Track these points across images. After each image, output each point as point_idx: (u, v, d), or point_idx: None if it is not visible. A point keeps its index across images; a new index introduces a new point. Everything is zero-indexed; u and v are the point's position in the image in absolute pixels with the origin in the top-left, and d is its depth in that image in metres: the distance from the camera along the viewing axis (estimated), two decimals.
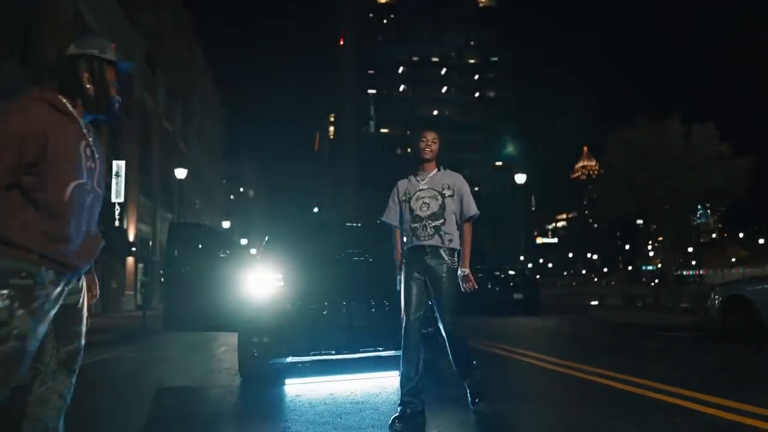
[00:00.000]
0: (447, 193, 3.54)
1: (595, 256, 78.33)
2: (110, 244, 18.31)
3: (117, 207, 19.40)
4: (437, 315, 3.43)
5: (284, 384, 4.78)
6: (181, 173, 21.26)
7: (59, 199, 1.98)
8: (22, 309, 1.90)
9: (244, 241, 58.88)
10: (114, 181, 18.86)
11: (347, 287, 4.92)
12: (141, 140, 24.02)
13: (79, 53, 2.06)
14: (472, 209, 3.57)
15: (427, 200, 3.53)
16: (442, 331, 3.44)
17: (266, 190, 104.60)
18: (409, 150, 3.73)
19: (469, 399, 3.60)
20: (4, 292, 1.88)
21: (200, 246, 5.70)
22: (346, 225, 7.32)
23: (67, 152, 2.00)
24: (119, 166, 19.17)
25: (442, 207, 3.50)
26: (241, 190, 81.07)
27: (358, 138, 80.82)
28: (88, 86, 2.06)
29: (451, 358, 3.58)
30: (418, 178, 3.62)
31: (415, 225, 3.51)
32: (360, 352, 4.74)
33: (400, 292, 3.53)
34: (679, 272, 48.21)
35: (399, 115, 79.99)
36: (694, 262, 58.16)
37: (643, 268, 67.56)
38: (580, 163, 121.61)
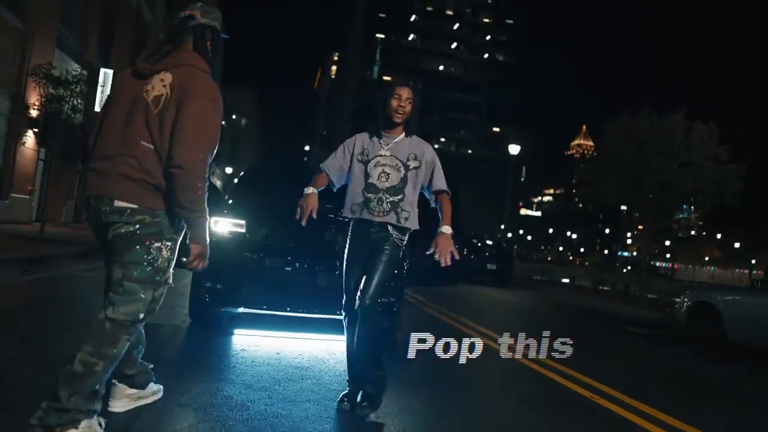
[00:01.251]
0: (412, 164, 3.04)
1: (574, 236, 79.15)
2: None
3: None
4: (361, 288, 2.94)
5: (233, 334, 4.62)
6: None
7: None
8: (173, 261, 2.28)
9: (228, 170, 58.23)
10: (99, 90, 18.13)
11: (313, 245, 4.69)
12: (133, 52, 23.08)
13: (207, 24, 2.32)
14: (441, 184, 3.09)
15: (387, 170, 3.01)
16: (358, 308, 2.92)
17: (259, 121, 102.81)
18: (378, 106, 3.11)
19: (358, 399, 2.98)
20: (169, 243, 2.24)
21: None
22: None
23: None
24: (106, 74, 18.39)
25: (404, 180, 3.01)
26: (234, 117, 79.55)
27: (359, 81, 79.18)
28: (208, 51, 2.32)
29: (354, 349, 3.01)
30: (382, 141, 3.07)
31: (369, 195, 3.00)
32: (315, 313, 4.57)
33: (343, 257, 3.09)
34: (652, 263, 48.87)
35: (404, 65, 78.19)
36: (668, 255, 59.01)
37: (619, 253, 68.47)
38: (577, 141, 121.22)
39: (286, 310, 4.52)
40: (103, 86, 18.29)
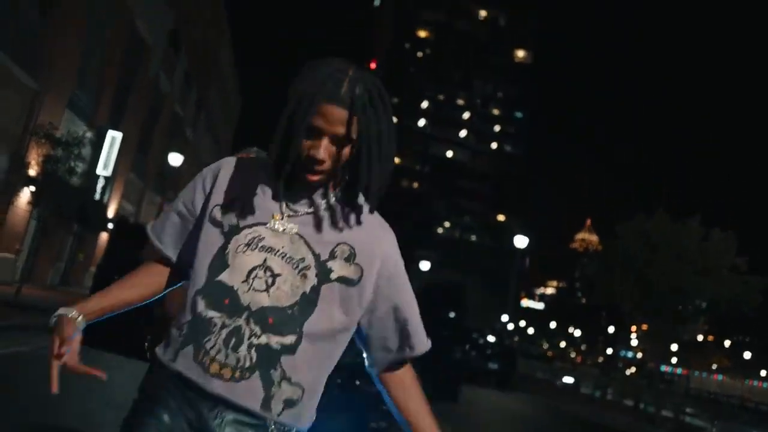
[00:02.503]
0: (338, 268, 1.19)
1: (577, 332, 77.18)
2: (86, 215, 17.34)
3: (102, 180, 18.47)
4: None
5: None
6: (175, 159, 20.40)
7: None
8: None
9: None
10: (104, 153, 17.95)
11: None
12: (146, 118, 23.25)
13: None
14: (419, 341, 1.29)
15: (275, 265, 1.16)
16: None
17: None
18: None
19: None
20: None
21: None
22: None
23: None
24: (114, 137, 18.28)
25: (309, 301, 1.16)
26: None
27: None
28: None
29: None
30: (282, 199, 1.21)
31: (210, 314, 1.14)
32: None
33: None
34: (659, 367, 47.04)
35: (413, 149, 79.80)
36: (674, 360, 57.14)
37: (622, 353, 66.42)
38: (581, 235, 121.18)
39: None
40: (111, 147, 18.14)
